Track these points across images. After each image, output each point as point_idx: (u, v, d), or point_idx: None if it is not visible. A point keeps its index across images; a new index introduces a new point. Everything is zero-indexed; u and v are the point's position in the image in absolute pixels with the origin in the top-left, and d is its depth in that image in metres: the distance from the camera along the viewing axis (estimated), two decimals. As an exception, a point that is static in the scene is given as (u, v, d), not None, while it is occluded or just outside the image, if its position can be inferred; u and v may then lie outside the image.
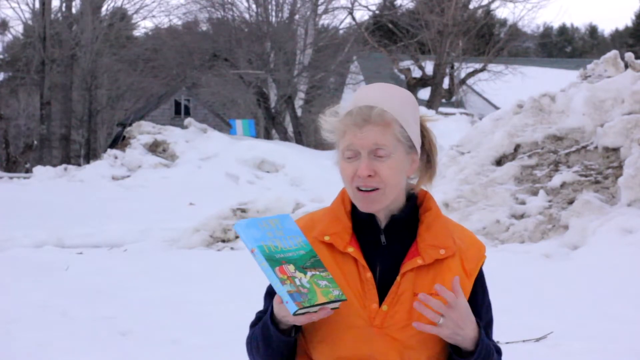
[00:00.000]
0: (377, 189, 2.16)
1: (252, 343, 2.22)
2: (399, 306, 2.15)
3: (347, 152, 2.19)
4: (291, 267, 2.05)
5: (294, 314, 2.00)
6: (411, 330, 2.13)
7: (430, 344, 2.16)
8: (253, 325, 2.27)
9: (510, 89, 33.38)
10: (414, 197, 2.25)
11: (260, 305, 2.31)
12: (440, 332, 2.08)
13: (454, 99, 37.15)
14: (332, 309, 2.05)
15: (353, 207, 2.25)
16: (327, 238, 2.21)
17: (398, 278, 2.16)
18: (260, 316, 2.26)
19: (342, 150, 2.20)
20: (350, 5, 39.20)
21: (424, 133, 2.27)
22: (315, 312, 2.03)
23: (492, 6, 39.79)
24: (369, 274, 2.17)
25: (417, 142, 2.22)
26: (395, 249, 2.21)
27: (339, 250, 2.20)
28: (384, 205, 2.19)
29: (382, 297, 2.16)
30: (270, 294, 2.25)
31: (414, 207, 2.25)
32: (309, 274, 2.06)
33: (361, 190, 2.17)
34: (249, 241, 2.07)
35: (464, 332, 2.09)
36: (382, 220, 2.22)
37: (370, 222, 2.22)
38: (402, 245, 2.21)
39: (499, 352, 2.25)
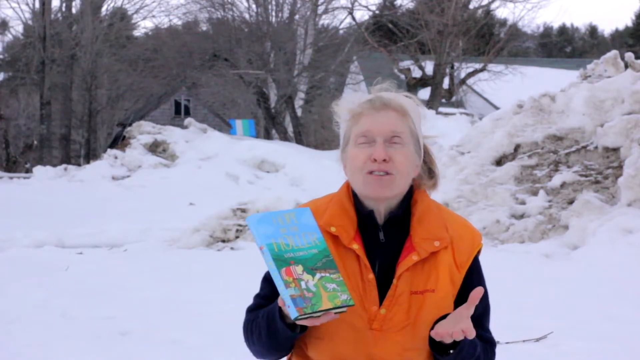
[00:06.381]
0: (390, 174, 2.14)
1: (254, 330, 2.19)
2: (397, 308, 2.14)
3: (360, 139, 2.17)
4: (299, 268, 2.00)
5: (295, 320, 1.98)
6: (410, 331, 2.13)
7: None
8: (251, 310, 2.25)
9: (510, 89, 33.34)
10: (409, 194, 2.24)
11: None
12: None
13: (454, 99, 37.12)
14: (337, 313, 2.00)
15: (356, 201, 2.22)
16: (333, 229, 2.18)
17: (395, 280, 2.15)
18: (259, 302, 2.24)
19: (355, 136, 2.18)
20: (350, 5, 39.19)
21: (425, 149, 2.28)
22: (318, 317, 1.99)
23: (492, 6, 39.82)
24: (371, 275, 2.15)
25: (422, 148, 2.23)
26: (393, 246, 2.19)
27: (343, 245, 2.17)
28: (393, 193, 2.17)
29: (381, 295, 2.15)
30: (267, 279, 2.23)
31: (408, 203, 2.24)
32: (318, 275, 2.00)
33: (374, 174, 2.14)
34: (259, 238, 2.03)
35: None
36: (382, 215, 2.20)
37: (370, 218, 2.20)
38: (399, 242, 2.19)
39: (491, 342, 2.23)
